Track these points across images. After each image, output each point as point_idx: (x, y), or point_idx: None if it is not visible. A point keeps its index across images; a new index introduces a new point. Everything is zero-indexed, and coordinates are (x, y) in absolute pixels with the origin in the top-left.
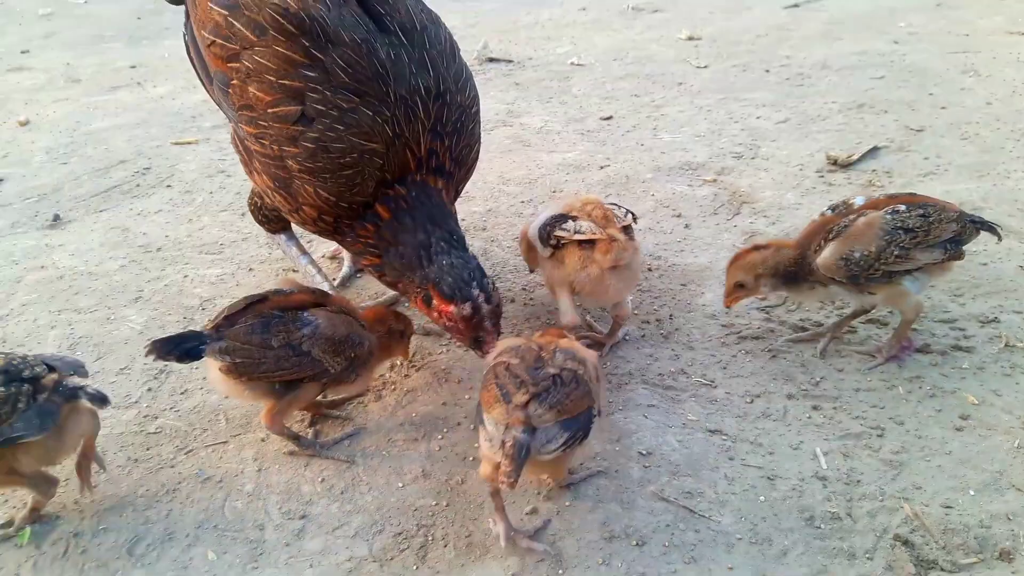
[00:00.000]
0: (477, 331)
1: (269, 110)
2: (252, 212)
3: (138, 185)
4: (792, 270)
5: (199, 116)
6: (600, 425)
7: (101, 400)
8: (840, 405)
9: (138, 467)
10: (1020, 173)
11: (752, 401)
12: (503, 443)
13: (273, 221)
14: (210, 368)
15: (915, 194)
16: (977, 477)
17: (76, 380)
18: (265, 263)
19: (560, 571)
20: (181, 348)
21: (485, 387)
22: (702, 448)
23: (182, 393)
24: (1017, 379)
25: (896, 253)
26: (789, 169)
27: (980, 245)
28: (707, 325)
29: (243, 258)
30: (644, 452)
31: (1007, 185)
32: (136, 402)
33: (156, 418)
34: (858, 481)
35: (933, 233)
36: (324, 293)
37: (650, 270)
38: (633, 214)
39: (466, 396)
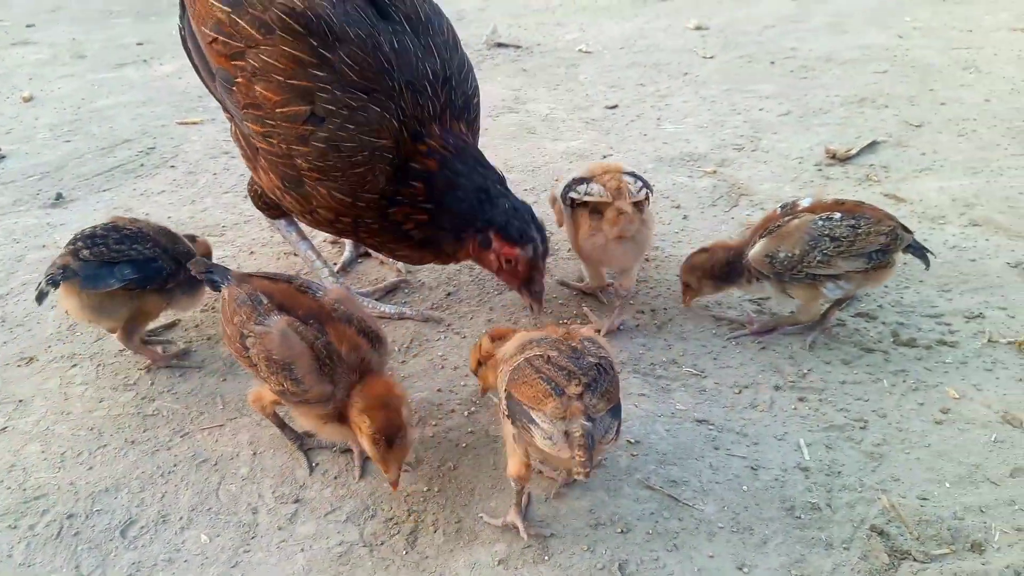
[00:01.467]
0: (533, 272)
1: (277, 110)
2: (252, 198)
3: (142, 165)
4: (726, 270)
5: (205, 96)
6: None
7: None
8: (825, 397)
9: (134, 449)
10: (1014, 171)
11: (740, 392)
12: (567, 435)
13: (274, 207)
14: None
15: (862, 203)
16: (953, 470)
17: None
18: (267, 246)
19: (546, 557)
20: (210, 277)
21: (525, 382)
22: (689, 437)
23: (180, 376)
24: (998, 374)
25: (819, 259)
26: (788, 162)
27: (969, 241)
28: (700, 316)
29: (245, 240)
30: (632, 441)
31: (1000, 182)
32: (134, 384)
33: (153, 400)
34: (839, 472)
35: (859, 244)
36: (348, 313)
37: (647, 261)
38: (649, 188)
39: (462, 383)
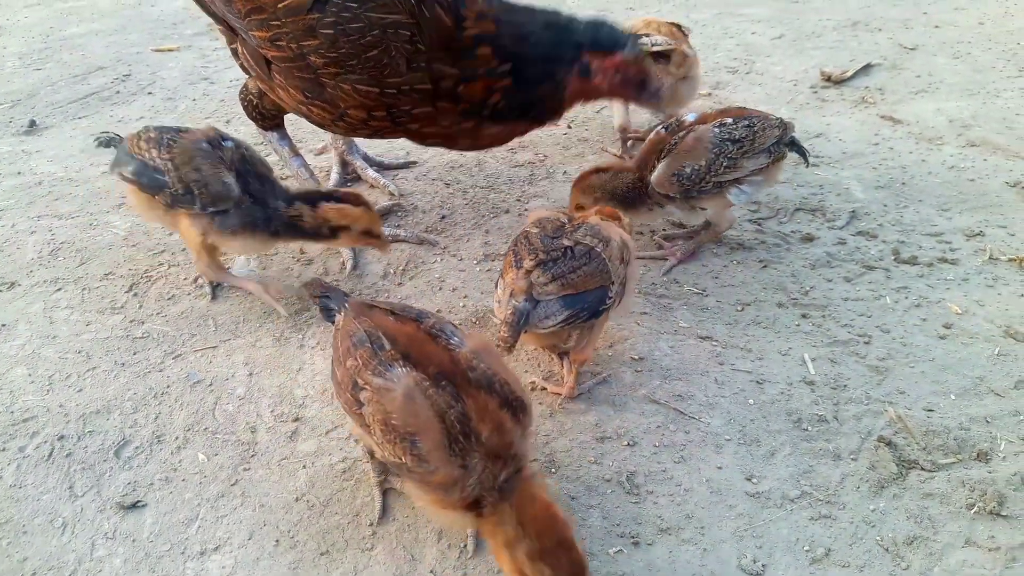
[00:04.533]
0: (643, 72)
1: (280, 5)
2: (245, 108)
3: (118, 92)
4: (631, 194)
5: (180, 23)
6: (623, 308)
7: None
8: (828, 313)
9: (125, 371)
10: (1010, 92)
11: (742, 309)
12: (510, 305)
13: (268, 118)
14: None
15: (744, 108)
16: (958, 382)
17: None
18: None
19: (553, 470)
20: (324, 303)
21: (507, 252)
22: (693, 354)
23: (169, 298)
24: (999, 290)
25: (725, 164)
26: (783, 85)
27: (968, 162)
28: None
29: None
30: (636, 357)
31: (996, 104)
32: (122, 307)
33: (143, 323)
34: (844, 386)
35: (758, 141)
36: (488, 375)
37: None
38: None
39: (460, 304)
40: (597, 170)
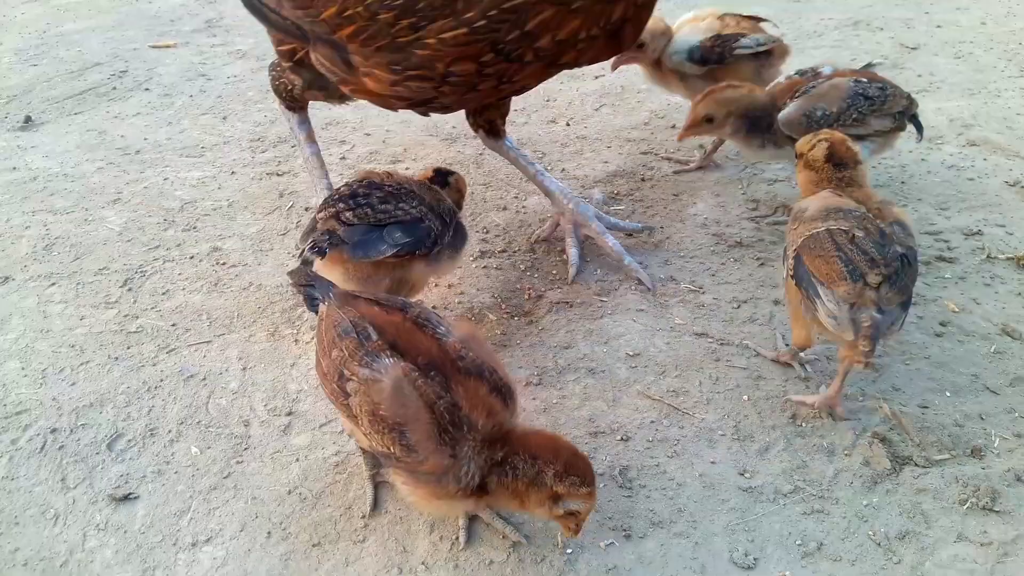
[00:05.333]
0: None
1: None
2: (275, 87)
3: (115, 88)
4: (759, 116)
5: (178, 20)
6: None
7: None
8: None
9: (118, 365)
10: (1010, 92)
11: (739, 307)
12: (854, 321)
13: (296, 99)
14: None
15: (876, 75)
16: (953, 380)
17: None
18: (248, 166)
19: None
20: (309, 295)
21: (821, 256)
22: (689, 350)
23: (163, 293)
24: (996, 288)
25: (855, 116)
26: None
27: (967, 161)
28: (697, 234)
29: (225, 161)
30: (631, 353)
31: (997, 103)
32: (116, 302)
33: (137, 318)
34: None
35: (888, 105)
36: (477, 363)
37: (643, 180)
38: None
39: (456, 300)
40: (731, 85)
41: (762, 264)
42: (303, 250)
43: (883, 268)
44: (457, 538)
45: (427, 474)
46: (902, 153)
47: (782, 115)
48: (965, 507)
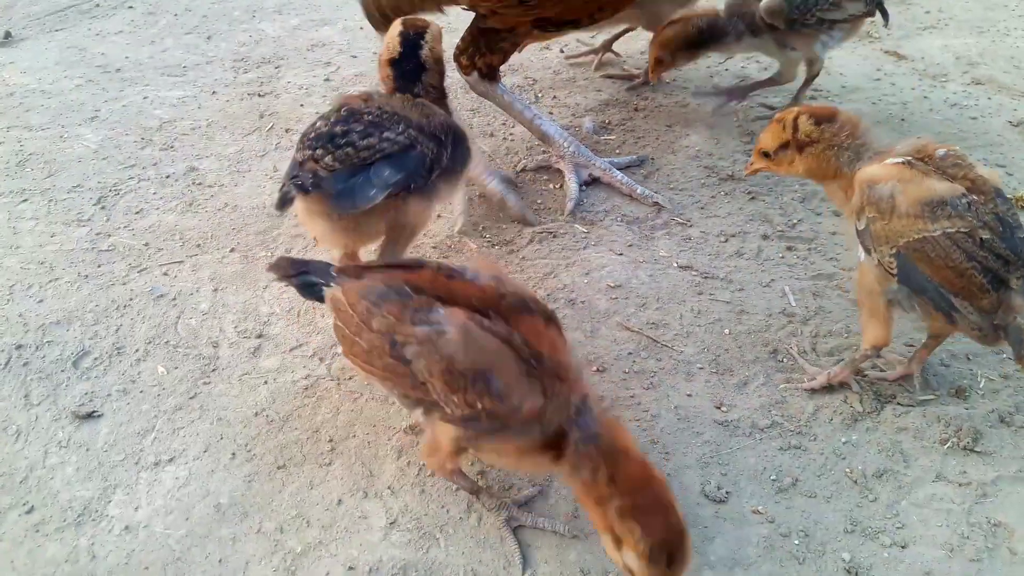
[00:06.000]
0: None
1: None
2: (464, 68)
3: (98, 5)
4: (708, 32)
5: None
6: None
7: None
8: (815, 247)
9: (88, 283)
10: (1020, 31)
11: (727, 240)
12: (999, 328)
13: (490, 72)
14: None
15: None
16: None
17: None
18: (230, 86)
19: None
20: (303, 281)
21: (950, 266)
22: (672, 283)
23: (137, 212)
24: None
25: (831, 1)
26: None
27: (971, 100)
28: (688, 166)
29: (207, 81)
30: (613, 285)
31: (1006, 42)
32: (88, 220)
33: (109, 236)
34: (825, 319)
35: None
36: (519, 295)
37: (636, 110)
38: None
39: (434, 227)
40: (670, 22)
41: (752, 198)
42: (283, 188)
43: (1022, 265)
44: (422, 470)
45: (523, 423)
46: (904, 90)
47: (764, 5)
48: (946, 447)
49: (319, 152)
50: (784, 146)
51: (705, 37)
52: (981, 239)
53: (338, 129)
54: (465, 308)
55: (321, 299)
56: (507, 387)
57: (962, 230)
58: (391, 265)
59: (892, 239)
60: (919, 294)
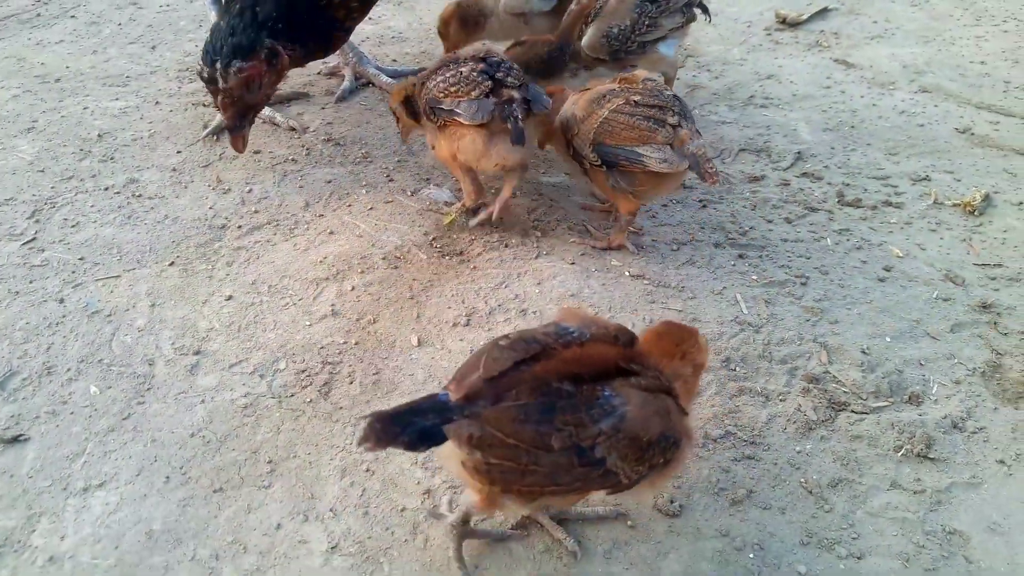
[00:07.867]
0: None
1: None
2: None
3: (38, 15)
4: (545, 66)
5: None
6: None
7: None
8: (766, 254)
9: (18, 299)
10: (965, 40)
11: (678, 249)
12: (686, 155)
13: None
14: (448, 454)
15: None
16: (895, 325)
17: None
18: (174, 96)
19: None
20: (413, 430)
21: (624, 128)
22: (624, 292)
23: (73, 226)
24: (942, 234)
25: (647, 23)
26: (737, 26)
27: (918, 107)
28: None
29: (150, 91)
30: (565, 295)
31: (952, 51)
32: (20, 234)
33: (43, 250)
34: (777, 326)
35: (672, 2)
36: (629, 337)
37: None
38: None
39: (382, 236)
40: (515, 43)
41: (704, 206)
42: (515, 124)
43: (674, 108)
44: (366, 489)
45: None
46: (853, 98)
47: (585, 43)
48: (900, 454)
49: (500, 74)
50: None
51: (549, 66)
52: (634, 101)
53: (491, 59)
54: (612, 371)
55: (440, 442)
56: (675, 432)
57: (620, 103)
58: (520, 362)
59: (584, 137)
60: (618, 165)
